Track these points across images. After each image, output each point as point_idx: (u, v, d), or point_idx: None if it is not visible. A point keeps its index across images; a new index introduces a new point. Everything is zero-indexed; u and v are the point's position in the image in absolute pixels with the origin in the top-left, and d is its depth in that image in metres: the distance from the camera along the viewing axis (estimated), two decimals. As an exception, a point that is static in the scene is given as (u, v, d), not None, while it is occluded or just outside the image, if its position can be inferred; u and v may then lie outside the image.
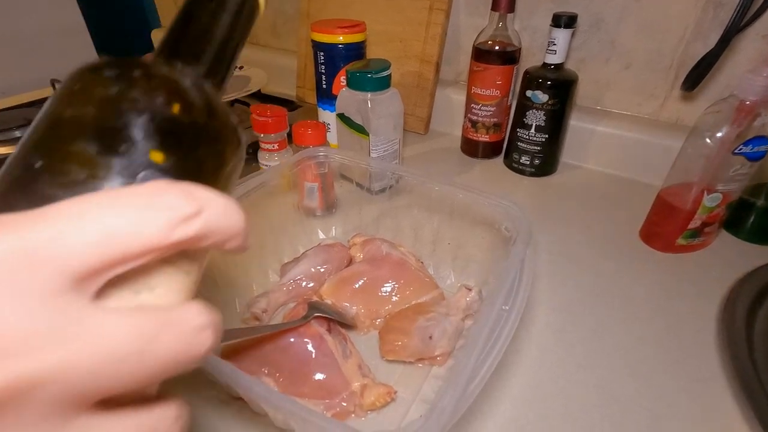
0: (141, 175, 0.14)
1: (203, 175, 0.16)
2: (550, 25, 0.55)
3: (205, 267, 0.16)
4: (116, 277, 0.12)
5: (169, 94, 0.15)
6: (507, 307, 0.29)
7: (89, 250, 0.11)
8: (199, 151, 0.16)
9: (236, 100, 0.78)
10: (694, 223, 0.47)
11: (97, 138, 0.14)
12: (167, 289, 0.14)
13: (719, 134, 0.42)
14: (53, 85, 0.85)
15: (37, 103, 0.84)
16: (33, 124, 0.15)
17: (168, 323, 0.12)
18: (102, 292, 0.12)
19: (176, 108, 0.15)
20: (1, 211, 0.12)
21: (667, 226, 0.49)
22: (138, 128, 0.14)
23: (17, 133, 0.72)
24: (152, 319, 0.12)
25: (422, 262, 0.45)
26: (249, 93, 0.76)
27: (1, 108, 0.80)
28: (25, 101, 0.84)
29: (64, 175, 0.14)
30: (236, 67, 0.20)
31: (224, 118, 0.17)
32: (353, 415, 0.33)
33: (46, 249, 0.10)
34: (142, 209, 0.12)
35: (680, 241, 0.49)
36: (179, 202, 0.12)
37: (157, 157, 0.14)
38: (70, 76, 0.16)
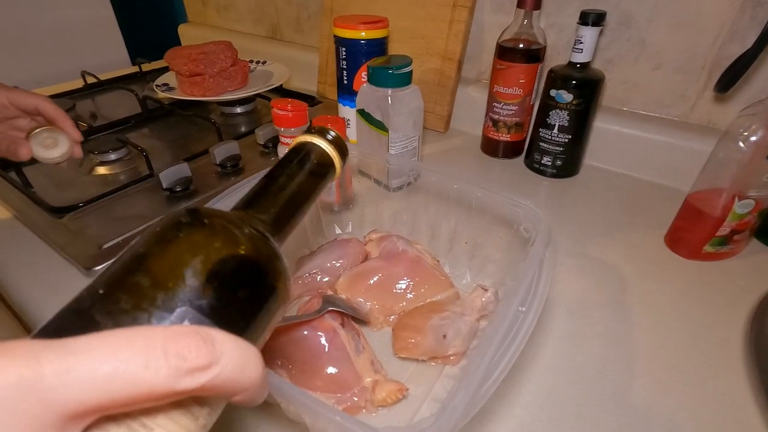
0: (178, 310, 0.15)
1: (240, 321, 0.16)
2: (578, 23, 0.53)
3: (221, 411, 0.16)
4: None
5: (225, 242, 0.17)
6: (524, 309, 0.28)
7: (90, 392, 0.11)
8: (241, 296, 0.17)
9: (258, 95, 0.79)
10: (723, 230, 0.45)
11: (152, 272, 0.15)
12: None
13: (754, 138, 0.41)
14: (83, 77, 0.88)
15: (69, 94, 0.87)
16: (115, 259, 0.17)
17: None
18: (99, 423, 0.12)
19: (227, 255, 0.17)
20: (55, 327, 0.14)
21: (694, 232, 0.47)
22: (187, 267, 0.16)
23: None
24: None
25: (438, 261, 0.45)
26: (271, 88, 0.77)
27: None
28: (58, 92, 0.87)
29: (114, 303, 0.15)
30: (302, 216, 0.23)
31: (276, 270, 0.18)
32: (364, 411, 0.33)
33: (50, 383, 0.11)
34: (153, 355, 0.12)
35: (707, 248, 0.47)
36: (193, 352, 0.12)
37: (198, 296, 0.15)
38: (161, 220, 0.18)
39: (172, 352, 0.12)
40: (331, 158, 0.23)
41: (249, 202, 0.21)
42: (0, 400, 0.10)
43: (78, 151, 0.51)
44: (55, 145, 0.48)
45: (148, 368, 0.11)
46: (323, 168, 0.23)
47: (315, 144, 0.23)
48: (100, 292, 0.15)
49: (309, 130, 0.24)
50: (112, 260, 0.17)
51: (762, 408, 0.33)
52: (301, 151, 0.23)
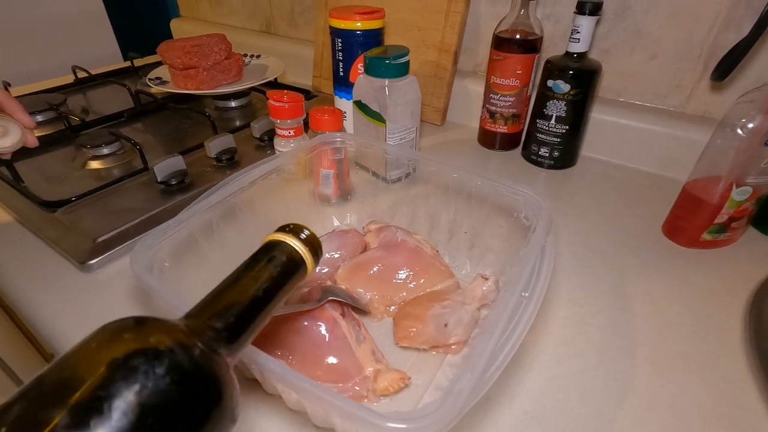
0: None
1: None
2: (574, 13, 0.53)
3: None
4: None
5: (148, 372, 0.14)
6: (527, 294, 0.28)
7: None
8: (168, 423, 0.14)
9: (253, 88, 0.78)
10: (721, 218, 0.45)
11: (71, 409, 0.13)
12: None
13: (751, 125, 0.41)
14: (74, 72, 0.87)
15: (60, 89, 0.85)
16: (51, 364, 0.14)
17: None
18: None
19: (150, 387, 0.14)
20: None
21: (692, 220, 0.47)
22: (116, 401, 0.13)
23: (39, 118, 0.74)
24: None
25: (438, 251, 0.44)
26: (266, 81, 0.76)
27: (25, 93, 0.81)
28: (48, 87, 0.85)
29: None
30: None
31: (215, 392, 0.15)
32: (366, 400, 0.32)
33: None
34: None
35: (705, 236, 0.47)
36: None
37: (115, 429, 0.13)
38: (96, 330, 0.15)
39: None
40: (303, 258, 0.21)
41: (205, 307, 0.19)
42: None
43: (32, 140, 0.49)
44: (6, 134, 0.46)
45: None
46: (293, 268, 0.21)
47: (286, 243, 0.21)
48: (12, 411, 0.13)
49: (281, 228, 0.22)
50: (44, 370, 0.14)
51: (762, 392, 0.33)
52: (271, 250, 0.21)
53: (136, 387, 0.14)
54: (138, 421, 0.13)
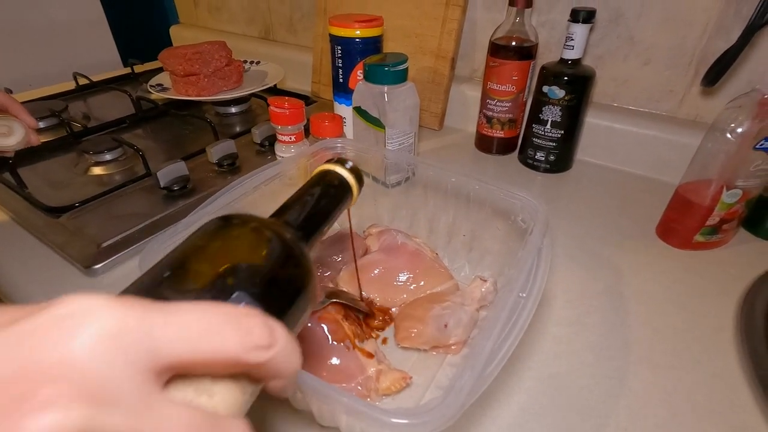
0: (234, 295, 0.17)
1: (283, 313, 0.18)
2: (568, 20, 0.54)
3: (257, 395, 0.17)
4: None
5: (269, 245, 0.19)
6: (524, 295, 0.29)
7: (183, 347, 0.13)
8: (284, 289, 0.19)
9: (253, 94, 0.79)
10: (713, 220, 0.47)
11: (212, 261, 0.18)
12: (224, 400, 0.15)
13: (740, 129, 0.42)
14: (75, 78, 0.88)
15: (61, 95, 0.86)
16: (170, 252, 0.19)
17: (216, 430, 0.13)
18: (172, 381, 0.14)
19: (271, 255, 0.19)
20: None
21: (684, 222, 0.48)
22: (243, 260, 0.18)
23: (41, 124, 0.74)
24: (205, 423, 0.13)
25: (437, 254, 0.45)
26: (266, 87, 0.77)
27: (26, 99, 0.82)
28: (49, 93, 0.86)
29: (180, 284, 0.17)
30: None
31: (307, 269, 0.20)
32: (369, 400, 0.33)
33: (158, 334, 0.12)
34: (231, 327, 0.13)
35: (698, 237, 0.48)
36: (260, 331, 0.14)
37: (252, 284, 0.18)
38: (207, 223, 0.20)
39: (245, 328, 0.14)
40: (350, 185, 0.26)
41: (282, 213, 0.24)
42: (119, 340, 0.12)
43: (34, 139, 0.50)
44: (10, 133, 0.48)
45: (226, 337, 0.13)
46: (343, 192, 0.26)
47: (337, 171, 0.26)
48: (166, 275, 0.17)
49: (331, 160, 0.27)
50: (172, 251, 0.19)
51: (753, 388, 0.34)
52: (326, 176, 0.26)
53: (261, 256, 0.19)
54: (263, 283, 0.18)
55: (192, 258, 0.18)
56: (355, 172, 0.26)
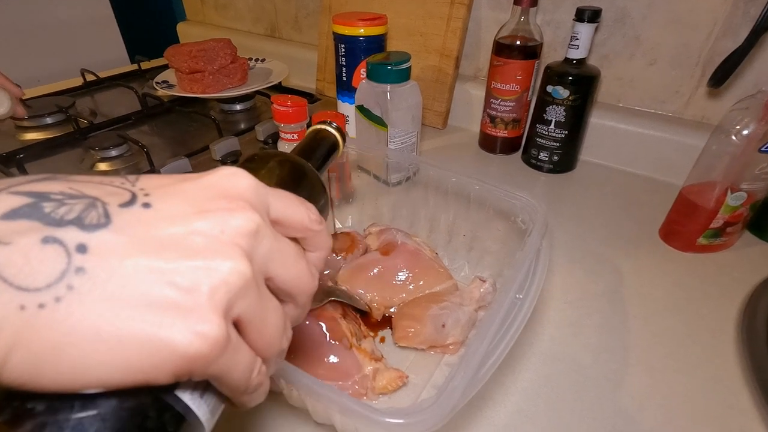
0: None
1: (314, 202, 0.25)
2: (573, 20, 0.54)
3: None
4: None
5: (298, 165, 0.28)
6: (521, 296, 0.29)
7: (279, 209, 0.19)
8: (315, 192, 0.27)
9: (258, 92, 0.79)
10: (716, 223, 0.46)
11: (286, 179, 0.26)
12: None
13: (746, 131, 0.42)
14: (83, 75, 0.88)
15: (69, 92, 0.87)
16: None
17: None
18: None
19: (303, 171, 0.28)
20: None
21: (688, 224, 0.48)
22: (292, 175, 0.27)
23: (48, 120, 0.75)
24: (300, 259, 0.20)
25: (437, 253, 0.45)
26: (270, 85, 0.78)
27: (34, 96, 0.83)
28: (57, 89, 0.87)
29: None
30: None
31: (320, 180, 0.29)
32: (365, 398, 0.33)
33: (268, 198, 0.18)
34: (303, 207, 0.20)
35: (701, 240, 0.48)
36: (316, 212, 0.20)
37: (302, 187, 0.26)
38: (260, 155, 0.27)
39: (310, 208, 0.20)
40: (337, 139, 0.34)
41: (300, 153, 0.31)
42: (258, 190, 0.17)
43: (21, 110, 0.51)
44: None
45: (301, 211, 0.20)
46: (334, 142, 0.34)
47: (328, 130, 0.34)
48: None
49: (319, 122, 0.34)
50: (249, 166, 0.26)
51: (753, 393, 0.34)
52: (320, 132, 0.34)
53: (302, 172, 0.27)
54: (306, 187, 0.27)
55: (263, 170, 0.25)
56: (339, 130, 0.34)
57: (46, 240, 0.13)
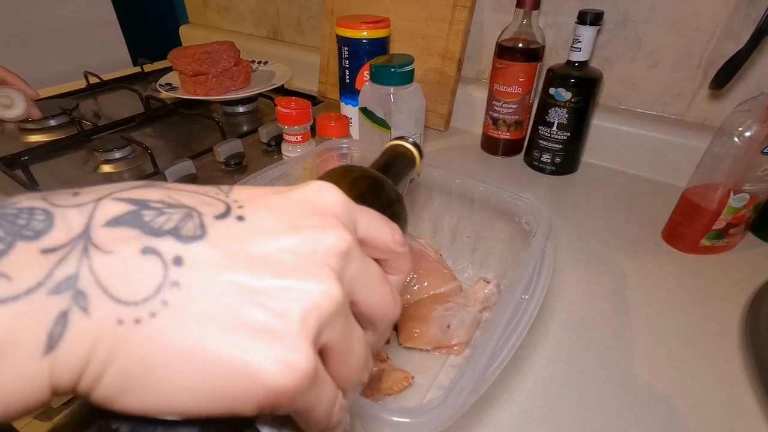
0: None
1: (396, 221, 0.25)
2: (576, 22, 0.54)
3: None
4: None
5: (379, 181, 0.27)
6: (526, 297, 0.29)
7: (365, 228, 0.18)
8: (390, 207, 0.26)
9: (260, 94, 0.79)
10: (719, 224, 0.46)
11: (367, 195, 0.25)
12: None
13: (748, 133, 0.42)
14: (86, 77, 0.89)
15: (72, 94, 0.87)
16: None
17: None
18: None
19: (385, 188, 0.27)
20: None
21: (690, 226, 0.48)
22: (375, 193, 0.26)
23: (52, 122, 0.75)
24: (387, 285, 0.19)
25: (441, 255, 0.46)
26: (273, 87, 0.78)
27: (38, 98, 0.83)
28: (61, 92, 0.87)
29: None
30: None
31: (401, 198, 0.28)
32: (370, 399, 0.33)
33: (357, 216, 0.18)
34: (388, 226, 0.19)
35: (704, 242, 0.48)
36: (400, 233, 0.20)
37: (385, 207, 0.25)
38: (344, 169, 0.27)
39: (394, 229, 0.19)
40: (414, 155, 0.34)
41: (381, 169, 0.31)
42: (347, 206, 0.17)
43: (36, 112, 0.51)
44: (12, 104, 0.48)
45: (386, 231, 0.19)
46: (411, 158, 0.34)
47: (405, 146, 0.34)
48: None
49: (397, 138, 0.35)
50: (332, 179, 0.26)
51: (757, 394, 0.34)
52: (397, 147, 0.34)
53: (386, 192, 0.26)
54: (389, 207, 0.26)
55: (344, 185, 0.24)
56: (416, 145, 0.34)
57: (146, 250, 0.13)
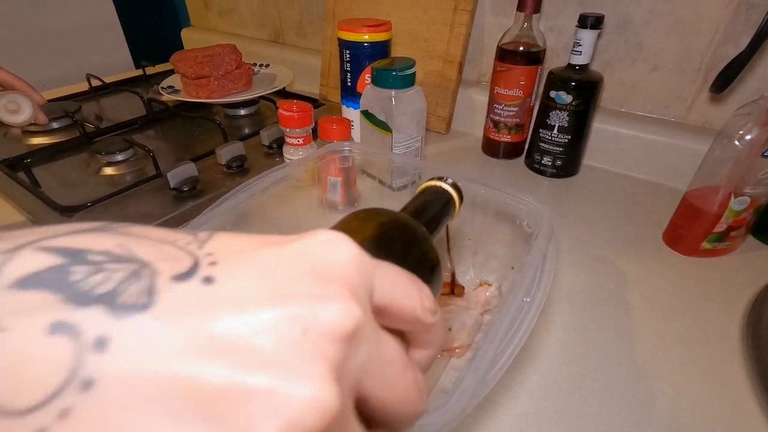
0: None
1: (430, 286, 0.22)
2: (576, 26, 0.55)
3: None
4: None
5: (410, 230, 0.24)
6: (528, 299, 0.29)
7: (385, 293, 0.15)
8: (421, 263, 0.23)
9: (262, 97, 0.80)
10: (720, 227, 0.46)
11: (394, 247, 0.22)
12: None
13: (749, 136, 0.42)
14: (89, 80, 0.89)
15: (74, 96, 0.88)
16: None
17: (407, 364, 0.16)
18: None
19: (417, 239, 0.24)
20: None
21: (691, 229, 0.48)
22: (406, 247, 0.23)
23: (54, 125, 0.76)
24: (404, 355, 0.15)
25: (441, 257, 0.46)
26: (274, 90, 0.78)
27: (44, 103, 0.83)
28: (63, 94, 0.88)
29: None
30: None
31: (435, 251, 0.25)
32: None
33: (373, 275, 0.14)
34: (416, 290, 0.16)
35: (705, 244, 0.48)
36: (430, 298, 0.16)
37: (417, 265, 0.22)
38: (373, 213, 0.24)
39: (424, 292, 0.16)
40: (454, 198, 0.31)
41: (416, 215, 0.28)
42: (362, 265, 0.14)
43: (42, 117, 0.51)
44: (19, 110, 0.49)
45: (414, 295, 0.16)
46: (450, 203, 0.31)
47: (443, 188, 0.31)
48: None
49: (434, 178, 0.32)
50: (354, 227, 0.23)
51: (759, 397, 0.34)
52: (437, 189, 0.31)
53: (419, 245, 0.23)
54: (422, 264, 0.23)
55: (363, 233, 0.22)
56: (456, 187, 0.31)
57: (57, 327, 0.09)
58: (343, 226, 0.22)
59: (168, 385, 0.09)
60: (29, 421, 0.08)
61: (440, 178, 0.31)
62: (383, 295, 0.14)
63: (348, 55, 0.63)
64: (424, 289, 0.16)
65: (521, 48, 0.60)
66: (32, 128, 0.74)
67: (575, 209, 0.57)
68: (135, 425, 0.09)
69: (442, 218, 0.29)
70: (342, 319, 0.11)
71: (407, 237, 0.23)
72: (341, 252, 0.13)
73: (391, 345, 0.14)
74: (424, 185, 0.31)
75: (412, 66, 0.53)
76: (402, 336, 0.17)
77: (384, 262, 0.15)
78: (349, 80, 0.65)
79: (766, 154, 0.42)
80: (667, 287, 0.45)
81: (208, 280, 0.11)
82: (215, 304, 0.11)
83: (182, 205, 0.55)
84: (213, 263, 0.11)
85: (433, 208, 0.29)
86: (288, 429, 0.10)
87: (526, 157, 0.67)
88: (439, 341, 0.17)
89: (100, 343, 0.09)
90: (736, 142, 0.42)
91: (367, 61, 0.62)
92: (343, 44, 0.62)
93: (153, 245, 0.12)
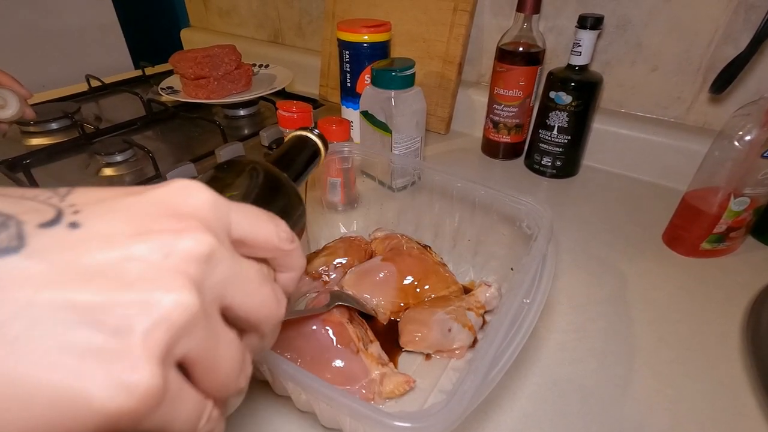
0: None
1: (289, 221, 0.24)
2: (576, 27, 0.55)
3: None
4: None
5: (271, 175, 0.25)
6: (528, 301, 0.29)
7: (244, 228, 0.17)
8: (282, 202, 0.25)
9: (262, 98, 0.80)
10: (720, 228, 0.46)
11: (254, 191, 0.24)
12: None
13: (748, 137, 0.42)
14: (88, 81, 0.89)
15: (74, 97, 0.88)
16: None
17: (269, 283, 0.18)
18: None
19: (276, 182, 0.25)
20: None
21: (691, 229, 0.48)
22: (264, 187, 0.24)
23: (54, 125, 0.76)
24: (264, 276, 0.18)
25: (442, 258, 0.46)
26: (274, 91, 0.78)
27: (40, 101, 0.83)
28: (62, 95, 0.88)
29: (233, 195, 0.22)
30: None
31: (296, 192, 0.27)
32: (372, 403, 0.33)
33: (231, 215, 0.17)
34: (272, 224, 0.19)
35: (704, 245, 0.48)
36: (287, 230, 0.19)
37: (274, 202, 0.24)
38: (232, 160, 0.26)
39: (280, 225, 0.19)
40: (318, 146, 0.32)
41: (279, 163, 0.29)
42: (217, 206, 0.16)
43: (29, 112, 0.50)
44: (5, 105, 0.48)
45: (270, 228, 0.18)
46: (316, 151, 0.32)
47: (307, 135, 0.32)
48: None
49: (301, 128, 0.33)
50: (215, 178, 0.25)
51: (759, 397, 0.34)
52: (299, 138, 0.32)
53: (255, 175, 0.24)
54: (280, 201, 0.24)
55: (230, 181, 0.23)
56: (321, 137, 0.32)
57: None
58: (212, 174, 0.24)
59: (49, 304, 0.11)
60: None
61: (307, 129, 0.33)
62: (241, 229, 0.17)
63: (347, 56, 0.63)
64: (280, 223, 0.19)
65: (521, 48, 0.60)
66: (31, 129, 0.74)
67: (575, 210, 0.57)
68: (26, 329, 0.11)
69: (307, 164, 0.31)
70: (197, 245, 0.14)
71: (268, 181, 0.25)
72: (195, 196, 0.15)
73: (249, 266, 0.17)
74: (291, 134, 0.33)
75: (411, 66, 0.53)
76: (267, 264, 0.20)
77: (241, 204, 0.18)
78: (348, 81, 0.65)
79: (765, 154, 0.42)
80: (666, 288, 0.45)
81: (73, 225, 0.13)
82: (83, 243, 0.12)
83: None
84: (77, 211, 0.13)
85: (299, 156, 0.31)
86: (160, 322, 0.12)
87: (526, 158, 0.67)
88: (298, 265, 0.20)
89: None
90: (736, 143, 0.42)
91: (367, 62, 0.62)
92: (343, 45, 0.62)
93: (15, 201, 0.13)
